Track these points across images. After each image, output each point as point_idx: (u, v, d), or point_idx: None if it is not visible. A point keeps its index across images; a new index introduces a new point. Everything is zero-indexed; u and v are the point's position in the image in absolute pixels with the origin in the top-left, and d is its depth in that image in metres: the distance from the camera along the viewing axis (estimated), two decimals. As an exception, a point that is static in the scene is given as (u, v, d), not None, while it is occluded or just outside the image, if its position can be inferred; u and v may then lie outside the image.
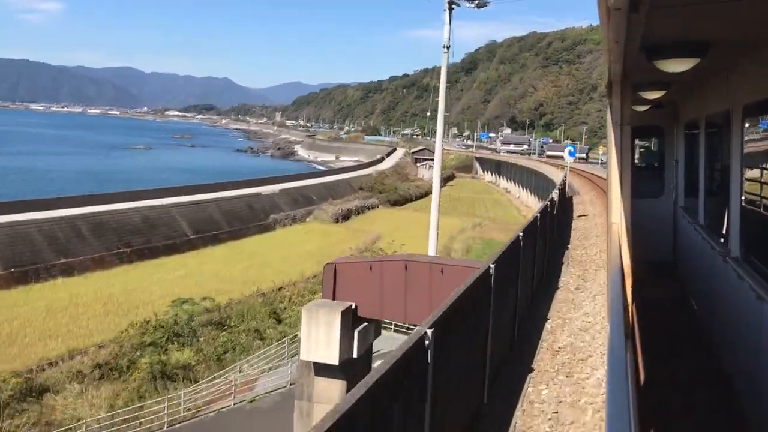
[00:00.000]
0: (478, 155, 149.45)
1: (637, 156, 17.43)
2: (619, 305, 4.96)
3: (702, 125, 10.91)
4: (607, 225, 7.95)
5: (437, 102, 33.58)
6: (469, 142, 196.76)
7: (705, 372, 8.20)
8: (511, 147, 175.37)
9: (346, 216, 67.14)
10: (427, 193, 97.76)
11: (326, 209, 65.44)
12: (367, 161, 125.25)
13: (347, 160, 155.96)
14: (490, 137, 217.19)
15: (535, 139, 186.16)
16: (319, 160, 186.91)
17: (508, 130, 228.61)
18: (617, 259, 6.65)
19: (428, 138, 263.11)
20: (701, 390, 7.61)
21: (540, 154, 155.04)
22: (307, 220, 62.37)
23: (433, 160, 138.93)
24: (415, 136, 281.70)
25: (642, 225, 11.67)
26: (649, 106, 12.29)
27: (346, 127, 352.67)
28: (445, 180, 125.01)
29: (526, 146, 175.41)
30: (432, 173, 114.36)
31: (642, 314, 9.14)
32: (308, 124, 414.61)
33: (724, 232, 8.56)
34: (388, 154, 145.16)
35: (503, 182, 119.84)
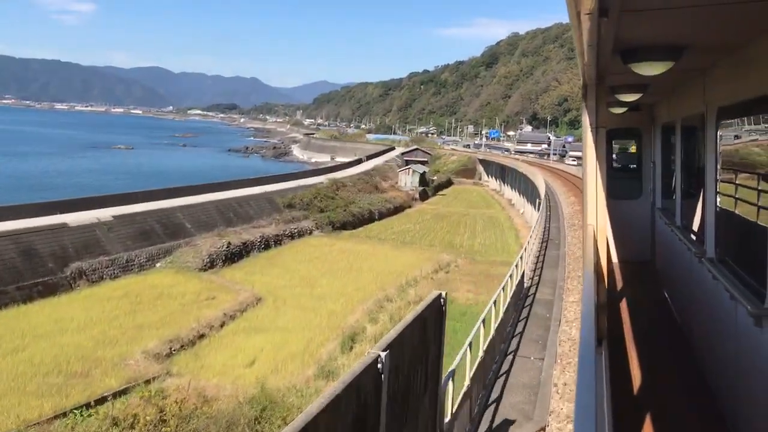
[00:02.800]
0: (481, 157, 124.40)
1: (615, 158, 17.31)
2: (590, 306, 5.09)
3: (678, 128, 11.14)
4: (583, 226, 8.73)
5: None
6: (480, 141, 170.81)
7: (682, 372, 8.36)
8: (528, 147, 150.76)
9: (234, 255, 44.41)
10: (399, 209, 74.37)
11: (201, 246, 42.52)
12: (339, 163, 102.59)
13: (343, 161, 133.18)
14: (508, 135, 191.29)
15: (557, 137, 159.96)
16: (313, 160, 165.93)
17: (528, 128, 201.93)
18: (591, 259, 6.82)
19: (444, 136, 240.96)
20: (678, 390, 7.76)
21: (562, 156, 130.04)
22: (158, 265, 39.55)
23: (425, 162, 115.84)
24: (430, 134, 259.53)
25: (621, 226, 13.98)
26: (627, 108, 12.66)
27: (363, 125, 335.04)
28: (439, 187, 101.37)
29: (545, 145, 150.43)
30: (415, 180, 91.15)
31: (619, 314, 10.09)
32: (325, 123, 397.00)
33: (699, 233, 9.24)
34: (378, 155, 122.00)
35: (508, 191, 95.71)
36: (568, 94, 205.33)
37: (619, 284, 12.81)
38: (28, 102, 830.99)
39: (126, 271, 37.73)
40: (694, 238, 9.40)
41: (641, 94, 9.40)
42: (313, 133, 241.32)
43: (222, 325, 31.34)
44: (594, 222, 7.37)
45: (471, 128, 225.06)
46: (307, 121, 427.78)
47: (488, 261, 49.28)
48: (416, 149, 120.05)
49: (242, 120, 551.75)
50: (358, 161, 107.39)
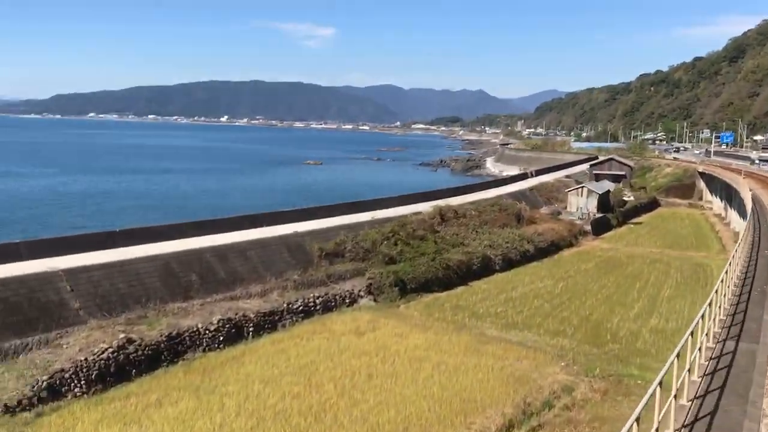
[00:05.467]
0: (702, 169, 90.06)
1: None
2: None
3: None
4: None
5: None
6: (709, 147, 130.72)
7: None
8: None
9: (136, 362, 23.74)
10: (550, 250, 49.67)
11: (56, 351, 22.71)
12: (483, 180, 77.75)
13: (509, 174, 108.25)
14: (755, 140, 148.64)
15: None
16: (504, 174, 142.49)
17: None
18: None
19: (674, 143, 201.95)
20: None
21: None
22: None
23: (623, 177, 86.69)
24: (658, 140, 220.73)
25: None
26: None
27: (584, 133, 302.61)
28: (634, 212, 72.75)
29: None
30: (591, 203, 64.04)
31: None
32: (543, 132, 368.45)
33: None
34: (559, 168, 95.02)
35: (735, 217, 64.26)
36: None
37: None
38: (273, 121, 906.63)
39: None
40: None
41: None
42: (509, 144, 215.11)
43: None
44: None
45: (706, 132, 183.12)
46: (526, 131, 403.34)
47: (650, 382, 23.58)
48: (610, 159, 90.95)
49: (461, 132, 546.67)
50: (522, 176, 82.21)
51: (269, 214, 41.56)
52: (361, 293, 35.89)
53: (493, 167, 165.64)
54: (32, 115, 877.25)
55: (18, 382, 22.12)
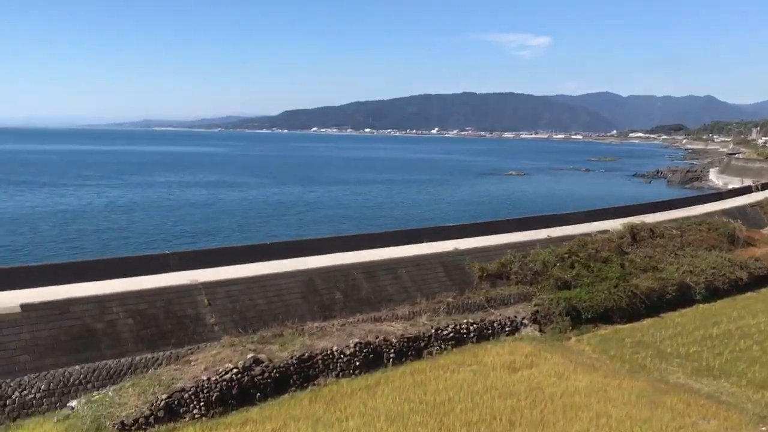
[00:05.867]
0: None
1: None
2: None
3: None
4: None
5: None
6: None
7: None
8: None
9: (261, 386, 22.28)
10: (762, 283, 42.13)
11: (180, 368, 21.66)
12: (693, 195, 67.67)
13: (732, 187, 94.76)
14: None
15: None
16: (729, 187, 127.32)
17: None
18: None
19: None
20: None
21: None
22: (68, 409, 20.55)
23: None
24: None
25: None
26: None
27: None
28: None
29: None
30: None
31: None
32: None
33: None
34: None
35: None
36: None
37: None
38: (482, 132, 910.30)
39: None
40: None
41: None
42: (737, 153, 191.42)
43: None
44: None
45: None
46: (762, 140, 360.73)
47: None
48: None
49: (684, 141, 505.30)
50: (745, 190, 71.15)
51: (431, 229, 38.98)
52: (525, 321, 31.87)
53: (716, 179, 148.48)
54: (263, 130, 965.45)
55: (139, 399, 21.65)
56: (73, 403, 21.63)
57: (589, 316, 33.54)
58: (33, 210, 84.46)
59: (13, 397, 20.96)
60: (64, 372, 22.05)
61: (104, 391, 22.12)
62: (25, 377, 21.48)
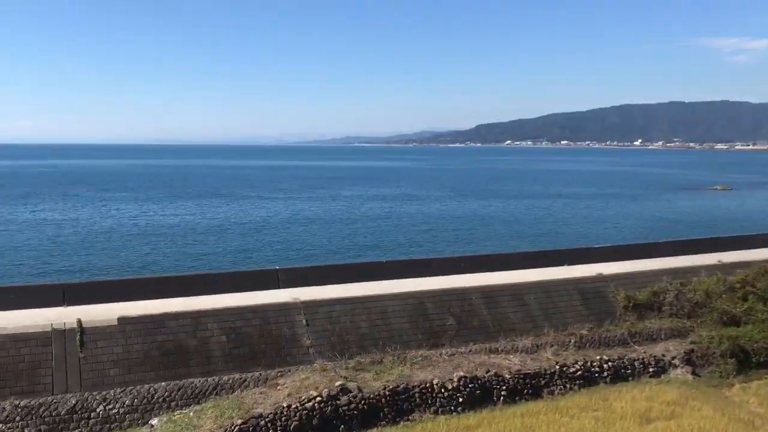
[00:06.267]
0: None
1: None
2: None
3: None
4: None
5: None
6: None
7: None
8: None
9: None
10: None
11: (267, 393, 20.04)
12: None
13: None
14: None
15: None
16: None
17: None
18: None
19: None
20: None
21: None
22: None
23: None
24: None
25: None
26: None
27: None
28: None
29: None
30: None
31: None
32: None
33: None
34: None
35: None
36: None
37: None
38: (690, 144, 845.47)
39: None
40: None
41: None
42: None
43: None
44: None
45: None
46: None
47: None
48: None
49: None
50: None
51: (575, 251, 34.83)
52: (675, 361, 27.05)
53: None
54: (456, 144, 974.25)
55: (215, 422, 20.88)
56: (155, 421, 21.42)
57: (762, 360, 27.79)
58: (225, 221, 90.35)
59: (98, 410, 21.14)
60: (149, 388, 21.93)
61: (186, 410, 21.69)
62: (111, 391, 21.63)
